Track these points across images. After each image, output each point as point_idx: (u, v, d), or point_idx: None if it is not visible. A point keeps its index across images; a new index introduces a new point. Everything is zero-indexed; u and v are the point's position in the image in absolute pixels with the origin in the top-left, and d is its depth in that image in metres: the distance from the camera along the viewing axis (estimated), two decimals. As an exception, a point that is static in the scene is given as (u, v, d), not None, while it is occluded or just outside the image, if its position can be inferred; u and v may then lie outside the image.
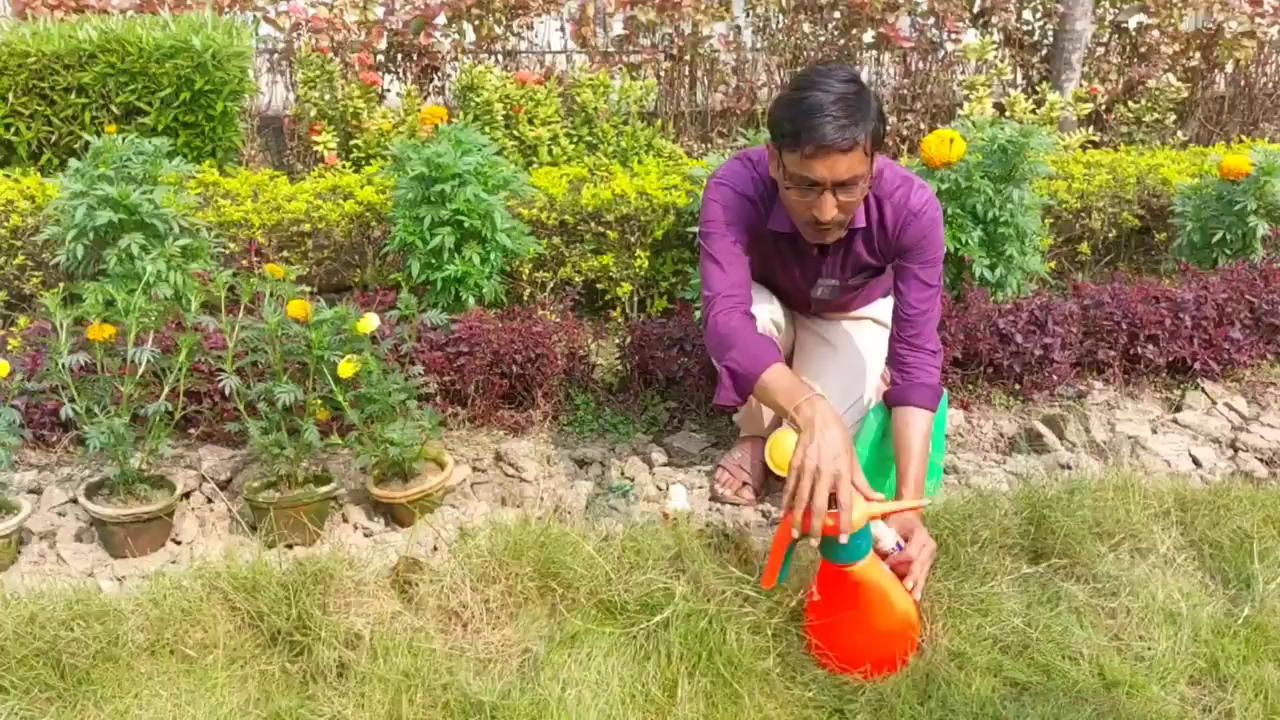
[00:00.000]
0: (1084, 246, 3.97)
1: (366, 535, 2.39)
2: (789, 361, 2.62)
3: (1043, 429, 2.88)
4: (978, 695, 1.80)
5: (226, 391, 2.24)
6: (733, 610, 1.92)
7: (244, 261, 3.23)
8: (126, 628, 1.83)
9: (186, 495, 2.49)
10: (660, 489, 2.63)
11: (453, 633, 1.93)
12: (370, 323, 2.28)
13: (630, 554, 2.04)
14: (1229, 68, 5.59)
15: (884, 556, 1.94)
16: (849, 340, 2.59)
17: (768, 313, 2.41)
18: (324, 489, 2.32)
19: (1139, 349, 3.19)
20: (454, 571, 1.96)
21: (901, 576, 1.93)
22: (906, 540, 1.98)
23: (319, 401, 2.33)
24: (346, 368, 2.23)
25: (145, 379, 2.29)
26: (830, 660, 1.88)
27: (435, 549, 2.31)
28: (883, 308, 2.67)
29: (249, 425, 2.28)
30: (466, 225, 3.01)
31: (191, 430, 2.75)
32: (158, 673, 1.82)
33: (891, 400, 2.27)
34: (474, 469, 2.73)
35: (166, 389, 2.26)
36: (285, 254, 3.38)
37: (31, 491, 2.53)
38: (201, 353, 2.34)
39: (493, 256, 3.09)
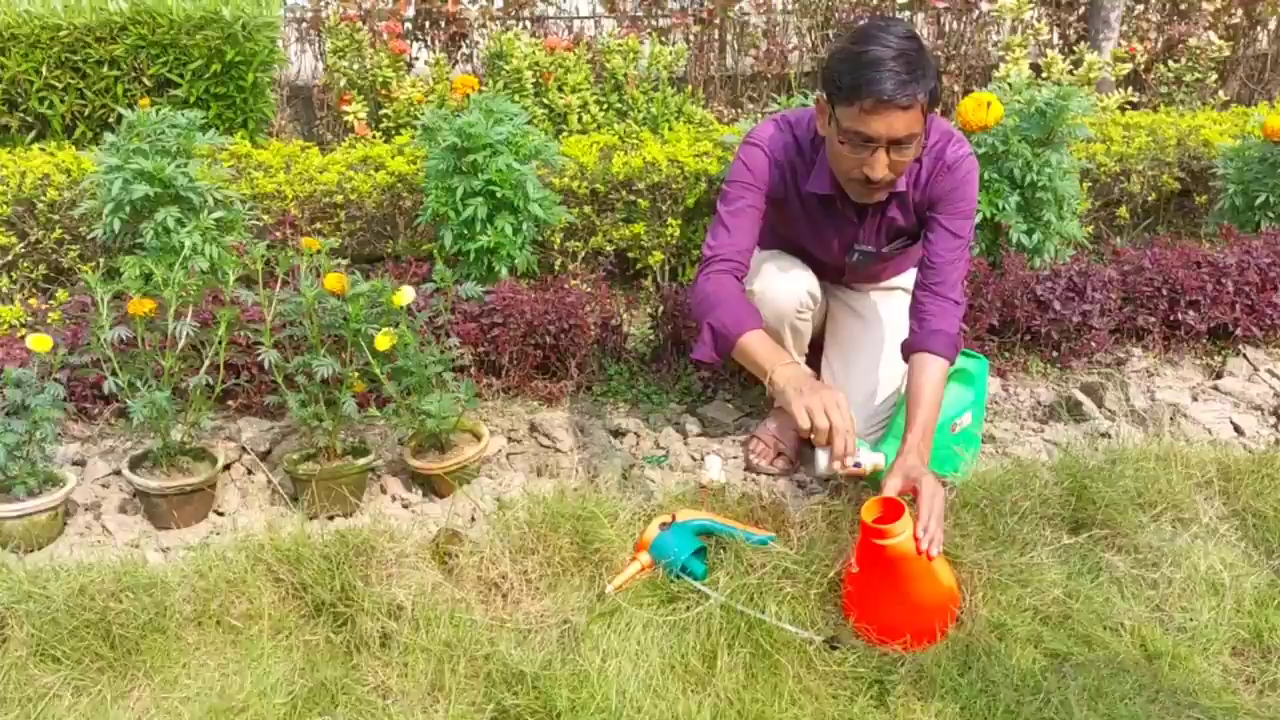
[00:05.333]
0: (1122, 210, 3.90)
1: (405, 506, 2.41)
2: (821, 336, 2.60)
3: (1081, 397, 2.85)
4: (1018, 666, 1.80)
5: (265, 365, 2.26)
6: (772, 582, 1.92)
7: (278, 234, 3.25)
8: (174, 599, 1.86)
9: (228, 467, 2.52)
10: (695, 459, 2.64)
11: (493, 603, 1.94)
12: (406, 295, 2.28)
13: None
14: (1272, 24, 5.44)
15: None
16: (882, 313, 2.56)
17: (804, 285, 2.39)
18: (362, 461, 2.34)
19: (1179, 315, 3.14)
20: (493, 543, 1.98)
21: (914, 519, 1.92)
22: (915, 492, 1.96)
23: (356, 374, 2.34)
24: (383, 340, 2.24)
25: (185, 353, 2.31)
26: (870, 632, 1.88)
27: (473, 520, 2.33)
28: (913, 278, 2.64)
29: (288, 398, 2.30)
30: (499, 195, 3.00)
31: (230, 402, 2.77)
32: (204, 643, 1.85)
33: (907, 348, 2.24)
34: (509, 439, 2.74)
35: (206, 363, 2.28)
36: (318, 225, 3.39)
37: (75, 463, 2.57)
38: (240, 326, 2.35)
39: (525, 227, 3.08)
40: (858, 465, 1.96)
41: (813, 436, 1.95)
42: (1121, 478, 2.15)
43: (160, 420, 2.20)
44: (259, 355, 2.26)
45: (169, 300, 2.25)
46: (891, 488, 1.95)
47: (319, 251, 2.34)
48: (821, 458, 1.98)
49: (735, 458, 2.64)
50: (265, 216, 3.29)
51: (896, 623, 1.87)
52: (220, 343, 2.27)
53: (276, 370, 2.30)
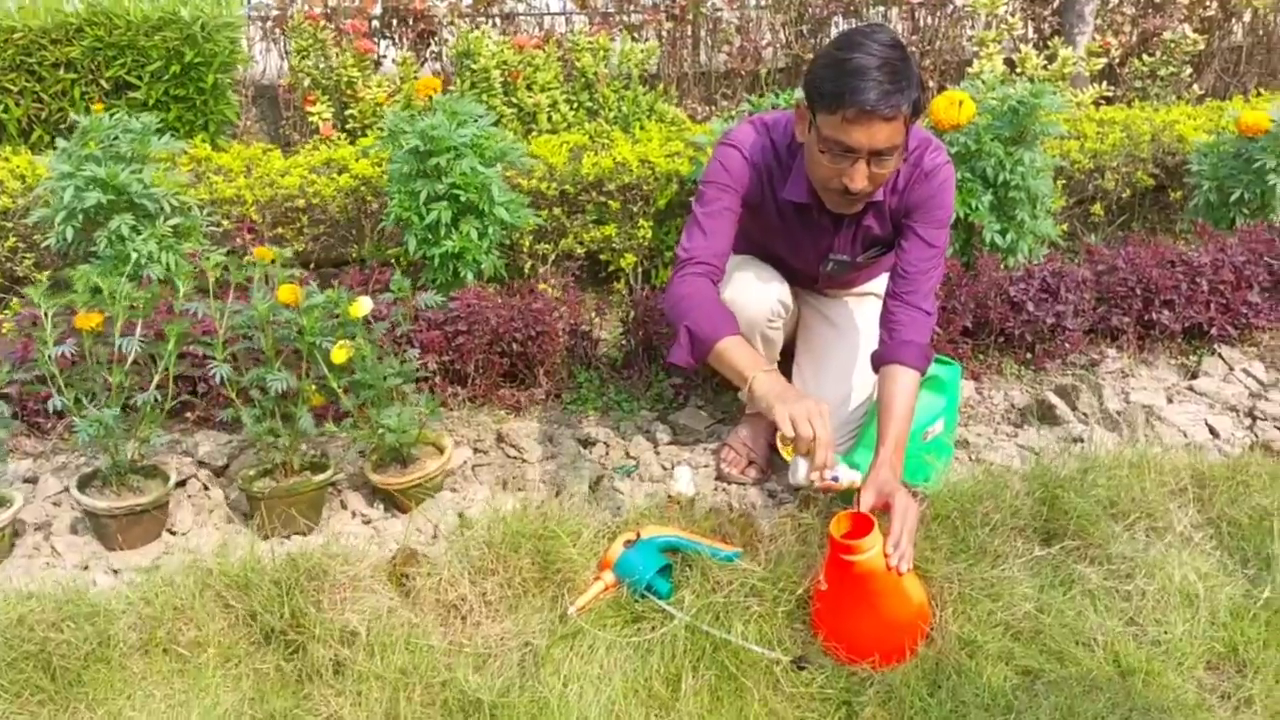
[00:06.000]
0: (1097, 207, 3.87)
1: (366, 523, 2.35)
2: (792, 342, 2.55)
3: (1055, 400, 2.82)
4: (989, 685, 1.76)
5: (218, 379, 2.19)
6: (739, 601, 1.87)
7: (239, 240, 3.17)
8: (118, 627, 1.80)
9: (182, 483, 2.45)
10: (665, 468, 2.58)
11: (452, 626, 1.89)
12: (363, 306, 2.22)
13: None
14: (1246, 16, 5.43)
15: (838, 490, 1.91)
16: (853, 319, 2.52)
17: (775, 294, 2.33)
18: (320, 477, 2.27)
19: (1154, 315, 3.11)
20: (451, 564, 1.92)
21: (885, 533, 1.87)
22: (888, 507, 1.91)
23: (313, 387, 2.28)
24: (339, 353, 2.18)
25: (137, 367, 2.24)
26: (838, 651, 1.83)
27: (435, 536, 2.27)
28: (885, 282, 2.60)
29: (242, 413, 2.23)
30: (463, 199, 2.93)
31: (188, 414, 2.70)
32: (150, 673, 1.79)
33: (878, 359, 2.20)
34: (475, 450, 2.68)
35: (156, 378, 2.20)
36: (280, 231, 3.32)
37: (27, 480, 2.50)
38: (192, 339, 2.28)
39: (491, 230, 3.01)
40: (834, 479, 1.91)
41: (793, 444, 1.91)
42: (1094, 486, 2.11)
43: (108, 439, 2.13)
44: (211, 370, 2.19)
45: (116, 314, 2.18)
46: (865, 503, 1.91)
47: (273, 262, 2.27)
48: (801, 466, 1.93)
49: (706, 466, 2.59)
50: (225, 222, 3.21)
51: (865, 641, 1.82)
52: (169, 357, 2.20)
53: (230, 385, 2.23)
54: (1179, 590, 1.97)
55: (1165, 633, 1.89)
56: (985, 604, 1.90)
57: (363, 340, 2.19)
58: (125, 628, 1.81)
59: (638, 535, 1.97)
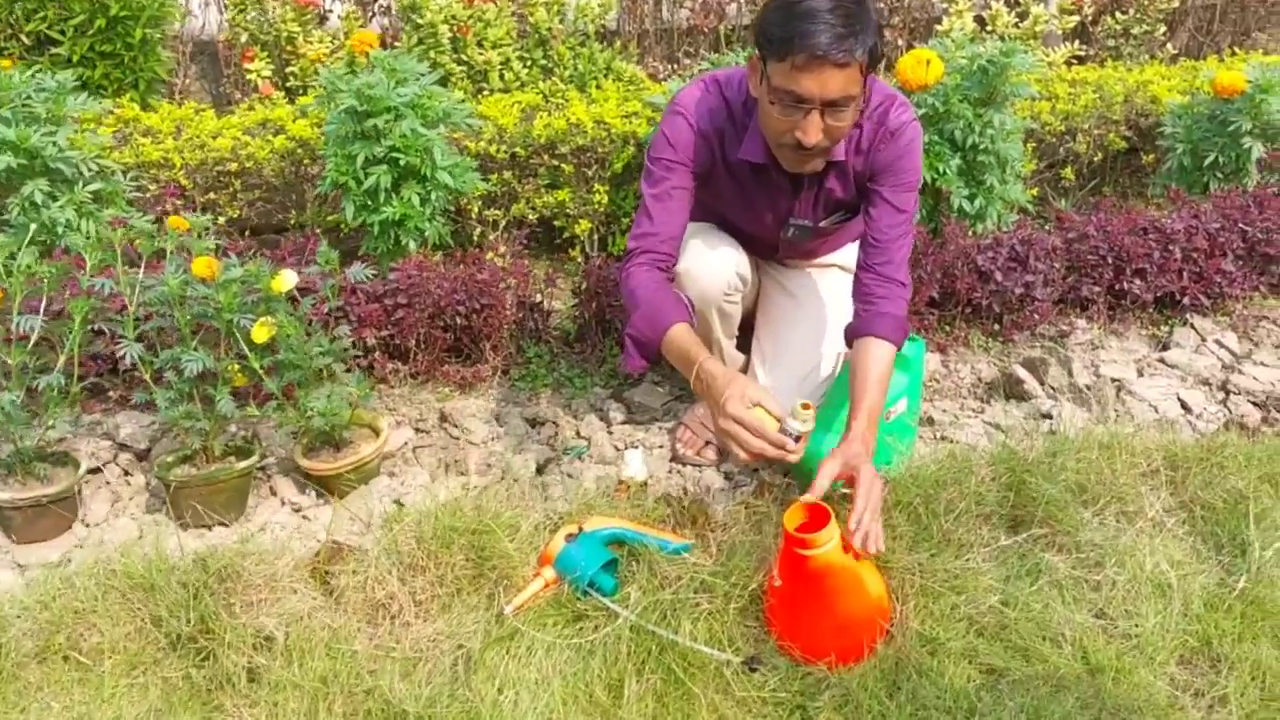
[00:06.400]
0: (1068, 171, 3.75)
1: (296, 511, 2.20)
2: (752, 315, 2.42)
3: (1023, 374, 2.71)
4: (951, 686, 1.66)
5: (128, 361, 2.03)
6: (688, 597, 1.75)
7: (166, 206, 2.98)
8: (12, 634, 1.65)
9: (99, 469, 2.29)
10: (619, 449, 2.45)
11: (381, 626, 1.76)
12: (286, 281, 2.06)
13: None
14: (1221, -27, 5.30)
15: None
16: (817, 292, 2.38)
17: (733, 265, 2.19)
18: (244, 464, 2.12)
19: (1125, 284, 3.01)
20: (379, 560, 1.78)
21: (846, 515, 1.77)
22: (851, 482, 1.80)
23: (236, 367, 2.12)
24: (260, 332, 2.02)
25: (49, 345, 2.07)
26: (793, 650, 1.72)
27: (370, 526, 2.13)
28: (850, 253, 2.45)
29: (156, 396, 2.07)
30: (403, 163, 2.76)
31: (110, 393, 2.54)
32: (49, 682, 1.64)
33: (852, 332, 2.07)
34: (416, 430, 2.54)
35: (61, 360, 2.04)
36: (212, 196, 3.13)
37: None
38: (102, 317, 2.11)
39: (434, 196, 2.85)
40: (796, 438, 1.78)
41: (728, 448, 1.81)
42: (1063, 470, 2.01)
43: (7, 425, 1.96)
44: (122, 350, 2.03)
45: (13, 289, 2.01)
46: (828, 472, 1.78)
47: (188, 232, 2.10)
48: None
49: (662, 447, 2.46)
50: (152, 187, 3.02)
51: (822, 640, 1.71)
52: (75, 336, 2.03)
53: (143, 366, 2.07)
54: (1150, 579, 1.87)
55: (1136, 626, 1.79)
56: (948, 597, 1.79)
57: (285, 317, 2.03)
58: (20, 634, 1.67)
59: (580, 529, 1.84)
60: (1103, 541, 1.93)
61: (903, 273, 2.09)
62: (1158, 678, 1.70)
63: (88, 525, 2.14)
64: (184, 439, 2.16)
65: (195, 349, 2.04)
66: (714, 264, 2.17)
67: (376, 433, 2.30)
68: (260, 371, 2.06)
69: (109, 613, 1.69)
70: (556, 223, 3.39)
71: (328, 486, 2.24)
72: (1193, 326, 3.03)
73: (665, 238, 2.03)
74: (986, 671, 1.70)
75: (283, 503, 2.22)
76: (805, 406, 1.74)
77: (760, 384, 2.27)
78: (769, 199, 2.18)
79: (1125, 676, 1.68)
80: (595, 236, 3.41)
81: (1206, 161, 3.46)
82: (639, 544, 1.86)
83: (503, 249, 3.15)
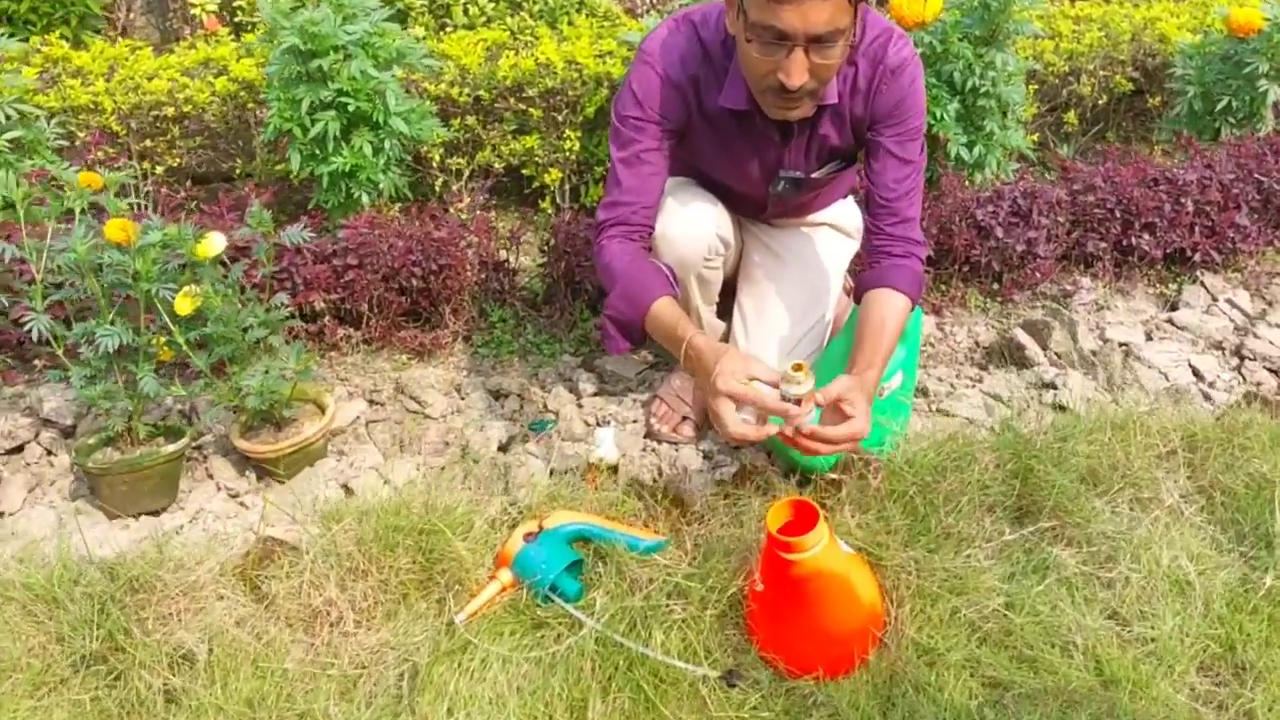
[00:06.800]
0: (1070, 115, 3.53)
1: (233, 497, 2.01)
2: (734, 280, 2.21)
3: (1024, 339, 2.52)
4: (951, 702, 1.49)
5: (35, 336, 1.81)
6: (660, 603, 1.58)
7: (96, 155, 2.73)
8: (-105, 654, 1.46)
9: (20, 448, 2.09)
10: (589, 424, 2.26)
11: (318, 636, 1.57)
12: (213, 245, 1.84)
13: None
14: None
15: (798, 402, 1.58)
16: (804, 252, 2.18)
17: (713, 227, 1.98)
18: (172, 448, 1.92)
19: (1133, 239, 2.81)
20: (316, 563, 1.59)
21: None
22: (839, 409, 1.61)
23: (161, 341, 1.91)
24: (184, 303, 1.80)
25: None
26: (776, 662, 1.55)
27: (316, 511, 1.94)
28: (843, 211, 2.25)
29: (71, 374, 1.86)
30: (353, 109, 2.53)
31: (36, 361, 2.32)
32: (-60, 707, 1.46)
33: (862, 286, 1.87)
34: (370, 402, 2.34)
35: (-41, 334, 1.82)
36: (149, 143, 2.88)
37: None
38: (5, 288, 1.89)
39: (388, 145, 2.61)
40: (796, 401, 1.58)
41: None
42: (1073, 455, 1.83)
43: (-101, 410, 1.75)
44: (28, 324, 1.81)
45: (-100, 257, 1.78)
46: (840, 387, 1.60)
47: (101, 190, 1.87)
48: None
49: (635, 421, 2.27)
50: (82, 134, 2.76)
51: (808, 650, 1.54)
52: (-28, 309, 1.81)
53: (55, 341, 1.86)
54: (1167, 575, 1.71)
55: (1153, 629, 1.63)
56: (947, 600, 1.62)
57: (211, 286, 1.81)
58: (-94, 653, 1.47)
59: (540, 527, 1.65)
60: (1115, 533, 1.76)
61: (916, 230, 1.89)
62: (1177, 689, 1.54)
63: (1, 514, 1.94)
64: (106, 420, 1.95)
65: (113, 321, 1.83)
66: (692, 226, 1.95)
67: (322, 409, 2.10)
68: (186, 347, 1.85)
69: (8, 626, 1.50)
70: (525, 171, 3.16)
71: (269, 469, 2.04)
72: (1203, 284, 2.84)
73: (638, 206, 1.82)
74: (990, 684, 1.54)
75: (218, 488, 2.02)
76: (798, 368, 1.54)
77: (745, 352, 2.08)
78: (755, 150, 1.96)
79: (1143, 689, 1.52)
80: (566, 186, 3.18)
81: (1219, 106, 3.25)
82: (606, 542, 1.68)
83: (467, 201, 2.92)
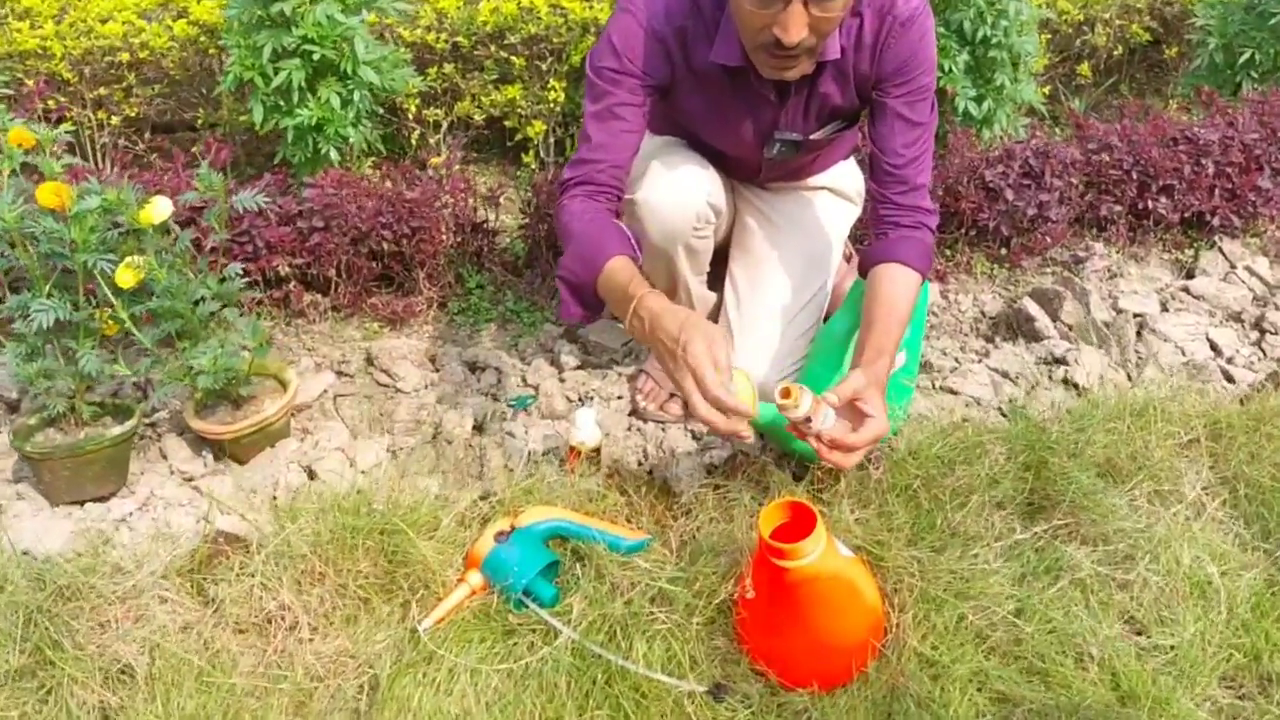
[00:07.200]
0: (1084, 68, 3.35)
1: (187, 480, 1.87)
2: (726, 247, 2.05)
3: (1033, 309, 2.38)
4: (956, 720, 1.38)
5: (-35, 310, 1.66)
6: (643, 609, 1.45)
7: (45, 104, 2.55)
8: None
9: (-41, 427, 1.95)
10: (571, 400, 2.13)
11: (272, 643, 1.45)
12: (159, 210, 1.68)
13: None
14: None
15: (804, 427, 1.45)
16: (802, 218, 2.02)
17: (703, 192, 1.82)
18: (119, 430, 1.78)
19: (1149, 202, 2.66)
20: (268, 565, 1.46)
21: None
22: (855, 406, 1.48)
23: (106, 315, 1.76)
24: (126, 275, 1.65)
25: None
26: (768, 673, 1.44)
27: (275, 497, 1.81)
28: (843, 174, 2.09)
29: (7, 350, 1.71)
30: (319, 57, 2.34)
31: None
32: None
33: (868, 260, 1.72)
34: (339, 374, 2.20)
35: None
36: (103, 91, 2.69)
37: None
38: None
39: (357, 96, 2.44)
40: (807, 421, 1.44)
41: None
42: (1089, 445, 1.70)
43: None
44: (-45, 296, 1.66)
45: None
46: (853, 385, 1.47)
47: (33, 149, 1.71)
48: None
49: (620, 397, 2.14)
50: (28, 82, 2.58)
51: (802, 662, 1.42)
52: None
53: (-14, 314, 1.71)
54: (1188, 577, 1.59)
55: (1173, 636, 1.52)
56: (953, 605, 1.50)
57: (154, 257, 1.66)
58: None
59: (512, 527, 1.52)
60: (1133, 530, 1.63)
61: (926, 198, 1.74)
62: (1199, 705, 1.43)
63: (-65, 501, 1.80)
64: (46, 399, 1.81)
65: (50, 294, 1.68)
66: (680, 192, 1.79)
67: (284, 385, 1.96)
68: (130, 322, 1.70)
69: (-72, 636, 1.38)
70: (508, 123, 2.98)
71: (226, 450, 1.91)
72: (1221, 250, 2.70)
73: (606, 165, 1.64)
74: (998, 700, 1.42)
75: (171, 471, 1.88)
76: (786, 393, 1.40)
77: (732, 327, 1.94)
78: (749, 110, 1.79)
79: (1163, 707, 1.41)
80: (551, 140, 3.01)
81: (1241, 59, 3.08)
82: (585, 541, 1.55)
83: (445, 155, 2.75)
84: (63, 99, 2.60)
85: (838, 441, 1.45)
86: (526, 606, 1.48)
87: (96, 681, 1.33)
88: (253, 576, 1.46)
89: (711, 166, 1.88)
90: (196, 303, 1.76)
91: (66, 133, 1.81)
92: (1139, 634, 1.53)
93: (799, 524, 1.41)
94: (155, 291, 1.71)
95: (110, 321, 1.78)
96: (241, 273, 1.82)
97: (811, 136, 1.84)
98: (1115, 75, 3.56)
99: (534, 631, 1.46)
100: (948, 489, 1.62)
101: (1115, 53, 3.42)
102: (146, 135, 2.80)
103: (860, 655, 1.44)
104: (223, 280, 1.80)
